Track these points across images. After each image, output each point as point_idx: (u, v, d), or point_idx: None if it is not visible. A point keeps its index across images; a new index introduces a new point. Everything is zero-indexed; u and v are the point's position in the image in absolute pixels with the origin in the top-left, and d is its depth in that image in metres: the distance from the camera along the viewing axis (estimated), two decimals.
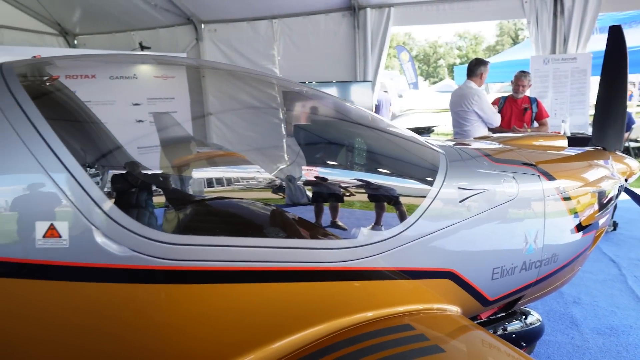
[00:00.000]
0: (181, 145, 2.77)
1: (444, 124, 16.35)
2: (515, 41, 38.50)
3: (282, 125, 2.57)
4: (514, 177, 1.99)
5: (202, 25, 8.96)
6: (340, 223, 1.66)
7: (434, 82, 38.63)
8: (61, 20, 9.98)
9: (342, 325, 1.46)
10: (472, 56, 37.67)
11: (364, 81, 7.88)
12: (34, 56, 1.55)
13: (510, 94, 6.15)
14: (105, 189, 1.21)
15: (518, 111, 5.96)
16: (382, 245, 1.55)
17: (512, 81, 6.11)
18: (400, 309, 1.63)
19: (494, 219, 1.89)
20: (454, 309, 1.75)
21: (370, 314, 1.53)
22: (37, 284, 1.13)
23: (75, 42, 10.45)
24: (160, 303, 1.24)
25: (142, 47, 8.73)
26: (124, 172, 1.56)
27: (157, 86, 8.36)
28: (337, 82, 7.87)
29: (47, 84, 1.47)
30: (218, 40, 9.02)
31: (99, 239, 1.15)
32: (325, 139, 2.06)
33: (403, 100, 18.37)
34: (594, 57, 6.82)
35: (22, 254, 1.11)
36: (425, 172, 1.89)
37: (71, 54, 8.41)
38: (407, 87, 21.65)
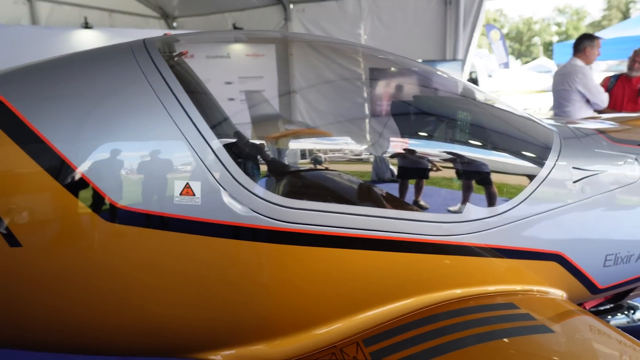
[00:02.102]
0: (271, 122, 2.92)
1: (539, 107, 15.25)
2: (625, 15, 34.47)
3: (379, 98, 2.59)
4: (636, 159, 1.87)
5: (291, 6, 9.13)
6: (444, 197, 1.68)
7: (527, 62, 35.92)
8: (163, 4, 10.71)
9: (438, 299, 1.48)
10: (573, 33, 34.41)
11: (454, 60, 7.58)
12: (165, 34, 1.73)
13: (622, 72, 5.55)
14: (233, 155, 1.33)
15: (632, 92, 5.35)
16: (486, 223, 1.55)
17: (629, 57, 5.48)
18: (495, 287, 1.62)
19: (611, 203, 1.79)
20: (558, 293, 1.70)
21: (467, 290, 1.54)
22: (173, 235, 1.29)
23: (175, 24, 11.17)
24: (272, 261, 1.36)
25: (235, 29, 9.13)
26: (247, 140, 1.71)
27: (248, 65, 8.74)
28: (424, 61, 7.67)
29: (178, 58, 1.64)
30: (306, 20, 9.15)
31: (226, 198, 1.28)
32: (433, 111, 2.05)
33: (492, 80, 17.39)
34: None
35: (162, 209, 1.27)
36: (536, 149, 1.83)
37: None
38: (496, 66, 20.42)
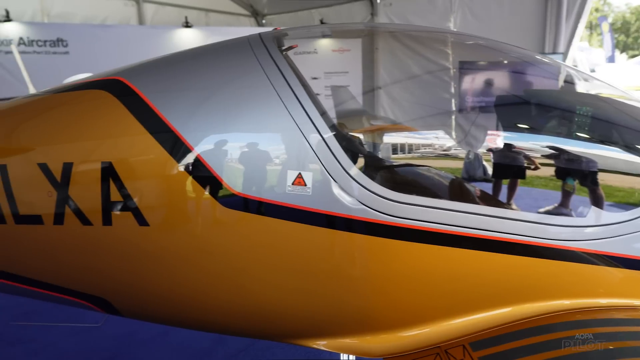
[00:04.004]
0: (356, 117, 2.91)
1: None
2: None
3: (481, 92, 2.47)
4: None
5: (378, 0, 9.06)
6: (567, 200, 1.55)
7: (634, 55, 32.27)
8: (253, 2, 11.16)
9: (550, 308, 1.37)
10: None
11: (554, 53, 7.04)
12: (275, 28, 1.79)
13: None
14: (344, 147, 1.35)
15: None
16: (615, 229, 1.40)
17: None
18: (609, 300, 1.47)
19: None
20: None
21: (579, 301, 1.41)
22: (284, 223, 1.32)
23: (264, 21, 11.58)
24: (378, 255, 1.35)
25: (322, 24, 9.25)
26: (357, 133, 1.72)
27: (334, 60, 8.85)
28: None
29: (288, 52, 1.69)
30: (393, 15, 9.03)
31: (336, 190, 1.29)
32: (552, 106, 1.90)
33: (595, 75, 15.88)
34: None
35: (275, 197, 1.30)
36: None
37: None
38: (600, 60, 18.65)
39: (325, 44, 8.29)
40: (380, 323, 1.43)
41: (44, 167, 1.42)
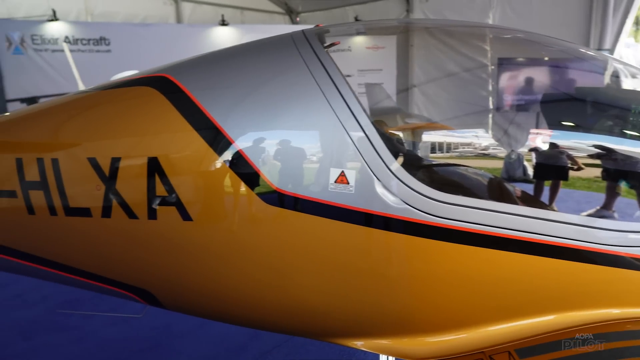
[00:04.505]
0: (392, 115, 2.87)
1: None
2: None
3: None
4: None
5: None
6: (616, 202, 1.48)
7: None
8: (288, 0, 11.21)
9: (602, 317, 1.31)
10: None
11: (599, 50, 6.74)
12: (316, 25, 1.78)
13: None
14: (388, 146, 1.32)
15: None
16: None
17: None
18: None
19: None
20: None
21: (637, 310, 1.34)
22: (325, 221, 1.31)
23: (298, 19, 11.62)
24: (421, 256, 1.32)
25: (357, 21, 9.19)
26: (395, 131, 1.70)
27: (368, 58, 8.78)
28: None
29: (330, 49, 1.67)
30: (429, 11, 8.88)
31: (379, 189, 1.27)
32: (605, 104, 1.82)
33: None
34: None
35: (317, 195, 1.30)
36: None
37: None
38: None
39: (359, 41, 8.25)
40: (421, 325, 1.40)
41: (93, 162, 1.46)
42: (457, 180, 1.74)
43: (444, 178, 1.73)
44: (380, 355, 1.83)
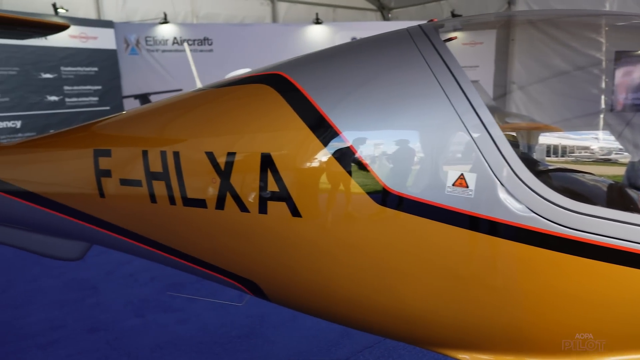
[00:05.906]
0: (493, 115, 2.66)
1: None
2: None
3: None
4: None
5: None
6: None
7: None
8: None
9: None
10: None
11: None
12: (430, 20, 1.71)
13: None
14: (515, 148, 1.22)
15: None
16: None
17: None
18: None
19: None
20: None
21: None
22: (440, 226, 1.25)
23: (390, 15, 11.45)
24: (545, 269, 1.21)
25: (453, 16, 8.83)
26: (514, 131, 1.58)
27: (463, 53, 8.37)
28: None
29: (448, 44, 1.60)
30: (533, 2, 8.24)
31: (502, 194, 1.18)
32: None
33: None
34: None
35: (433, 198, 1.23)
36: None
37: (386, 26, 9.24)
38: None
39: (458, 37, 7.90)
40: (540, 345, 1.28)
41: (210, 156, 1.53)
42: (589, 189, 1.55)
43: (574, 185, 1.55)
44: None
